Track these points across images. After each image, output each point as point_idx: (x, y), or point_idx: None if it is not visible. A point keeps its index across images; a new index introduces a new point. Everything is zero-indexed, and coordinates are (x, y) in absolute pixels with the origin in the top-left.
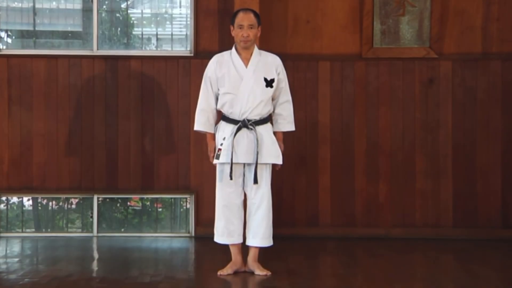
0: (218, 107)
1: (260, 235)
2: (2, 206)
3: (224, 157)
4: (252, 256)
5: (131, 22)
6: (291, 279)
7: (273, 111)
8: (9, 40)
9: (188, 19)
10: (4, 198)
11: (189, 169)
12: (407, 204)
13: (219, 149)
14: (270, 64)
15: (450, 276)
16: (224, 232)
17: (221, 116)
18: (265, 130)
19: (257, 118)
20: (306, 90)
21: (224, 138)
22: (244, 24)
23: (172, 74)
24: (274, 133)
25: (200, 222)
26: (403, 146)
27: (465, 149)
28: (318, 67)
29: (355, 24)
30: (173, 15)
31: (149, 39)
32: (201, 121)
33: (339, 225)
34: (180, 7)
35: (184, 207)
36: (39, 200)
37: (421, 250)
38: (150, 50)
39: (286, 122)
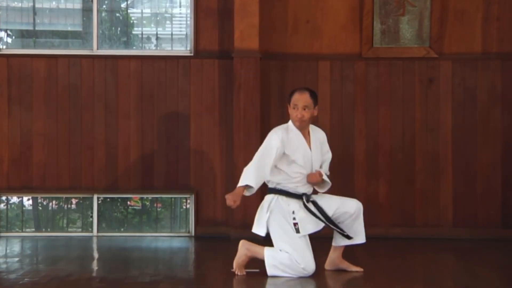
0: (278, 180)
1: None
2: (2, 206)
3: (305, 229)
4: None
5: (131, 21)
6: (291, 279)
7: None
8: (9, 40)
9: (188, 18)
10: (4, 198)
11: (189, 169)
12: (407, 204)
13: (295, 224)
14: (321, 141)
15: (450, 276)
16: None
17: (271, 189)
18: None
19: (311, 192)
20: None
21: (293, 212)
22: (299, 105)
23: (172, 74)
24: None
25: (200, 221)
26: (403, 146)
27: (465, 149)
28: (318, 67)
29: (355, 24)
30: (173, 15)
31: (149, 39)
32: (253, 177)
33: None
34: (180, 6)
35: (184, 207)
36: (39, 200)
37: (421, 250)
38: (150, 50)
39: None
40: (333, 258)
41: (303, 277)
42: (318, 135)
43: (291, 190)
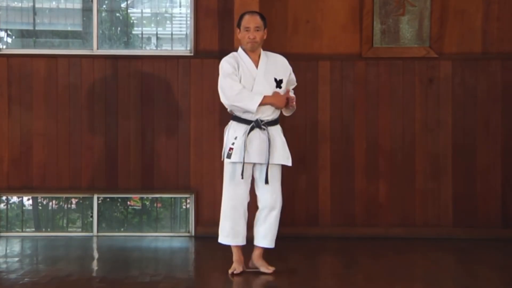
0: (228, 107)
1: (270, 237)
2: (2, 205)
3: (236, 156)
4: (259, 254)
5: (131, 21)
6: (291, 279)
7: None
8: (9, 40)
9: (188, 18)
10: (4, 198)
11: (189, 169)
12: (407, 204)
13: (231, 148)
14: (279, 65)
15: (450, 276)
16: (230, 233)
17: (231, 116)
18: (276, 131)
19: (269, 118)
20: (306, 90)
21: (235, 138)
22: (251, 26)
23: (172, 74)
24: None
25: (200, 221)
26: (403, 146)
27: (465, 149)
28: (318, 67)
29: (355, 24)
30: (173, 15)
31: (149, 39)
32: (251, 95)
33: (339, 225)
34: (180, 6)
35: (184, 207)
36: (39, 199)
37: (421, 250)
38: (150, 49)
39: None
40: (253, 257)
41: (238, 215)
42: (274, 59)
43: (242, 116)
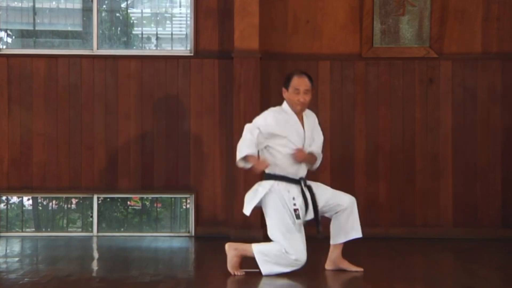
0: (274, 164)
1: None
2: (2, 206)
3: (303, 216)
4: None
5: (131, 21)
6: (291, 279)
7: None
8: (9, 40)
9: (188, 18)
10: (4, 198)
11: (189, 169)
12: (407, 204)
13: (296, 209)
14: (313, 123)
15: (450, 276)
16: (272, 273)
17: (268, 175)
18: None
19: (304, 175)
20: None
21: (294, 198)
22: (301, 89)
23: (172, 74)
24: None
25: (200, 221)
26: (403, 146)
27: (465, 149)
28: (318, 67)
29: (355, 24)
30: (173, 15)
31: (149, 39)
32: (249, 148)
33: None
34: (180, 6)
35: (184, 207)
36: (39, 200)
37: (421, 250)
38: (150, 49)
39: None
40: (333, 258)
41: (296, 269)
42: (310, 117)
43: (290, 175)
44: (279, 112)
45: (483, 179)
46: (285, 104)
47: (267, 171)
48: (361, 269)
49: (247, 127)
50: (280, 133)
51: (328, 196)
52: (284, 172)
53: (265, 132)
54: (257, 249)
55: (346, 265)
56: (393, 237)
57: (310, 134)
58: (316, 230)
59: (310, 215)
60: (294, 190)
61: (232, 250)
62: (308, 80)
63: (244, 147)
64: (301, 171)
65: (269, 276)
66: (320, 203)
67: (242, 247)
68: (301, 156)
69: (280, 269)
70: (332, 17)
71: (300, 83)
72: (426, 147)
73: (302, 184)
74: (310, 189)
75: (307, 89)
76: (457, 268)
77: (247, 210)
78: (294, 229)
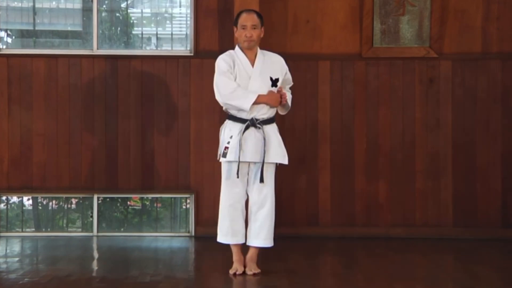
0: (223, 106)
1: (263, 235)
2: (2, 205)
3: (231, 155)
4: (251, 256)
5: (131, 21)
6: (291, 279)
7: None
8: (9, 40)
9: (188, 18)
10: (4, 198)
11: (189, 169)
12: (407, 204)
13: (226, 147)
14: (275, 64)
15: (450, 276)
16: (229, 232)
17: (226, 116)
18: (272, 130)
19: (265, 117)
20: (306, 90)
21: (231, 137)
22: (247, 25)
23: (172, 74)
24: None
25: (200, 221)
26: (403, 146)
27: (465, 149)
28: (318, 67)
29: (355, 24)
30: (173, 15)
31: (149, 39)
32: (246, 94)
33: (339, 225)
34: (180, 6)
35: (184, 207)
36: (39, 199)
37: (421, 250)
38: (150, 49)
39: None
40: (249, 259)
41: (237, 214)
42: (271, 58)
43: (237, 115)
44: (228, 55)
45: (483, 179)
46: (236, 46)
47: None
48: (258, 271)
49: (218, 75)
50: (231, 71)
51: (268, 162)
52: (233, 113)
53: (231, 72)
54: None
55: (248, 269)
56: (393, 237)
57: (259, 73)
58: (260, 176)
59: (252, 158)
60: (236, 129)
61: (236, 261)
62: (256, 16)
63: (243, 92)
64: (255, 112)
65: (267, 275)
66: (269, 159)
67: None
68: (273, 99)
69: (224, 231)
70: (332, 17)
71: (247, 19)
72: (426, 147)
73: (247, 124)
74: (265, 134)
75: (254, 25)
76: (457, 268)
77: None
78: (228, 169)
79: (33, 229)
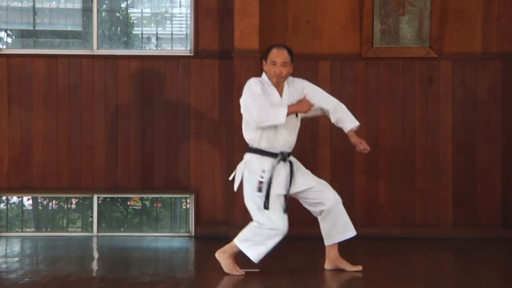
0: (250, 138)
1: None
2: (2, 205)
3: (275, 190)
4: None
5: (131, 21)
6: (291, 279)
7: (333, 119)
8: (9, 40)
9: (188, 18)
10: (4, 198)
11: (189, 169)
12: (407, 204)
13: (261, 182)
14: (297, 91)
15: (450, 276)
16: (260, 255)
17: (248, 148)
18: (294, 160)
19: (290, 150)
20: None
21: (264, 171)
22: (278, 61)
23: (172, 74)
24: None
25: (200, 221)
26: (403, 146)
27: (465, 149)
28: (318, 67)
29: (355, 24)
30: (173, 15)
31: (149, 39)
32: (275, 110)
33: None
34: (180, 6)
35: (184, 207)
36: (39, 199)
37: (421, 250)
38: (150, 49)
39: (349, 118)
40: (332, 257)
41: (278, 239)
42: (294, 86)
43: (266, 149)
44: (259, 81)
45: (483, 179)
46: (264, 75)
47: (249, 144)
48: (360, 268)
49: (252, 99)
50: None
51: (311, 185)
52: (260, 144)
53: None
54: (237, 240)
55: (345, 265)
56: (393, 237)
57: (287, 103)
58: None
59: (283, 191)
60: (268, 163)
61: (221, 254)
62: (287, 52)
63: (273, 108)
64: (282, 144)
65: (267, 275)
66: (299, 187)
67: (228, 247)
68: (303, 105)
69: (264, 247)
70: (332, 17)
71: (277, 55)
72: (426, 147)
73: (279, 158)
74: (291, 165)
75: (284, 62)
76: (457, 268)
77: (235, 186)
78: (268, 201)
79: (33, 229)
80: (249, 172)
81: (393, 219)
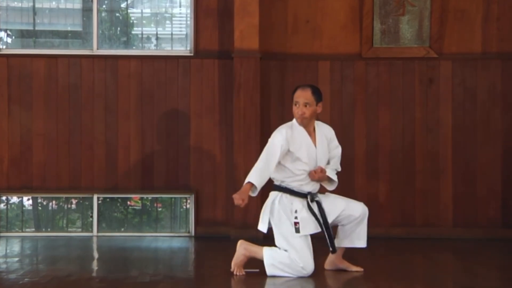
0: (282, 178)
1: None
2: (2, 206)
3: (306, 229)
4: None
5: (131, 21)
6: (291, 279)
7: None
8: (9, 40)
9: (188, 18)
10: (4, 198)
11: (189, 169)
12: (407, 204)
13: (297, 223)
14: (328, 137)
15: (450, 276)
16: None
17: (275, 186)
18: (321, 196)
19: (316, 191)
20: None
21: (296, 211)
22: (300, 102)
23: (172, 74)
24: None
25: (200, 221)
26: (403, 146)
27: (465, 149)
28: (318, 67)
29: (355, 24)
30: (173, 15)
31: (149, 39)
32: (258, 176)
33: None
34: (180, 6)
35: (184, 207)
36: (39, 200)
37: (421, 250)
38: (150, 49)
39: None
40: (333, 258)
41: (302, 277)
42: (324, 131)
43: (295, 189)
44: (290, 127)
45: (483, 179)
46: (294, 119)
47: (275, 182)
48: (361, 269)
49: (268, 148)
50: (292, 149)
51: (340, 208)
52: (289, 186)
53: (284, 150)
54: (268, 252)
55: (346, 265)
56: (393, 237)
57: (321, 150)
58: (329, 245)
59: (317, 228)
60: (298, 203)
61: (242, 248)
62: (310, 92)
63: (252, 173)
64: (310, 186)
65: (267, 275)
66: (332, 216)
67: (252, 249)
68: (316, 176)
69: (285, 274)
70: (332, 17)
71: (300, 95)
72: (426, 147)
73: (309, 199)
74: (319, 204)
75: (306, 102)
76: (457, 268)
77: (262, 227)
78: (300, 240)
79: (33, 229)
80: (278, 208)
81: (393, 219)
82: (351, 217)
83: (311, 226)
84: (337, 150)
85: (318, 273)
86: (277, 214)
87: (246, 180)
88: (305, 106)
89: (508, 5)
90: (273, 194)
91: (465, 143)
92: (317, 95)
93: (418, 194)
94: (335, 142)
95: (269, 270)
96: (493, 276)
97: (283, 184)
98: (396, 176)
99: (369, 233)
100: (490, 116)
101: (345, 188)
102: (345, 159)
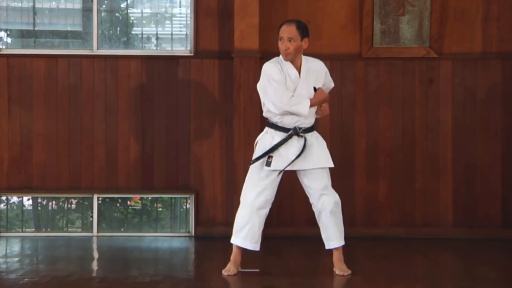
0: (265, 113)
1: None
2: (2, 206)
3: (276, 164)
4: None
5: (131, 21)
6: (291, 279)
7: None
8: (9, 40)
9: (188, 18)
10: (4, 198)
11: (189, 169)
12: (407, 204)
13: (270, 156)
14: (317, 72)
15: (450, 276)
16: (248, 236)
17: (266, 123)
18: (313, 137)
19: (307, 126)
20: None
21: (273, 146)
22: (284, 37)
23: (172, 74)
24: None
25: (200, 221)
26: (403, 146)
27: (465, 149)
28: None
29: (355, 24)
30: (173, 15)
31: (149, 39)
32: (299, 100)
33: None
34: (180, 6)
35: (184, 207)
36: (39, 200)
37: (421, 250)
38: (150, 49)
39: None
40: (333, 261)
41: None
42: (312, 65)
43: (278, 123)
44: (275, 62)
45: (483, 179)
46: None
47: (267, 119)
48: (349, 272)
49: (269, 84)
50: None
51: (310, 167)
52: (273, 121)
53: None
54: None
55: (336, 268)
56: (393, 237)
57: (305, 81)
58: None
59: (298, 165)
60: (278, 137)
61: (231, 264)
62: (295, 27)
63: (299, 99)
64: (290, 119)
65: (267, 275)
66: (304, 167)
67: (232, 256)
68: (322, 98)
69: (245, 229)
70: (332, 17)
71: (284, 30)
72: (426, 147)
73: (292, 133)
74: (305, 143)
75: (291, 37)
76: (457, 268)
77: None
78: (263, 175)
79: (33, 229)
80: (260, 145)
81: (393, 219)
82: (310, 189)
83: (283, 163)
84: (330, 85)
85: (318, 273)
86: (257, 149)
87: (307, 105)
88: (289, 41)
89: (508, 5)
90: (262, 132)
91: (465, 143)
92: (302, 30)
93: (418, 194)
94: (327, 77)
95: (240, 242)
96: (493, 276)
97: (270, 120)
98: (396, 176)
99: (369, 233)
100: (490, 116)
101: (345, 188)
102: (345, 159)
